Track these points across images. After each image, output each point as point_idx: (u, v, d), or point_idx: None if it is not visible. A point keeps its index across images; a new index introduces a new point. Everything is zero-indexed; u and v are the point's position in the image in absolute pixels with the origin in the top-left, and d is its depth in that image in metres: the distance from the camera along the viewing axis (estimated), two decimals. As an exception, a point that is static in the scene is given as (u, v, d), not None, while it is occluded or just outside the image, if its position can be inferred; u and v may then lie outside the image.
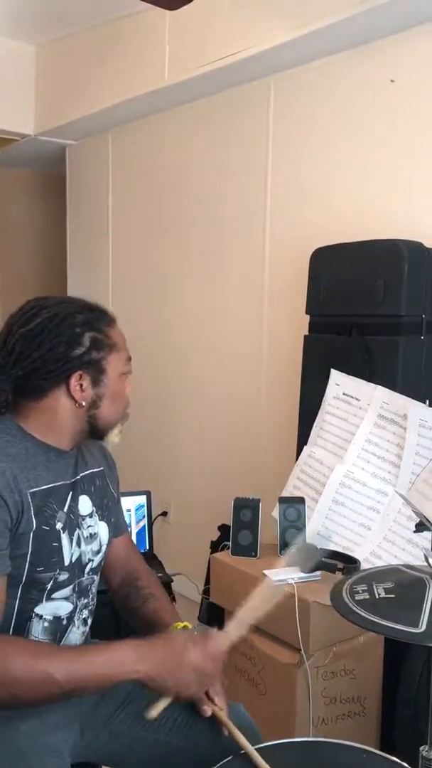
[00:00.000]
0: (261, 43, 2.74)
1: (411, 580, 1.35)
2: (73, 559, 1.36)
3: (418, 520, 1.56)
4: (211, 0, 2.86)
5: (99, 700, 1.43)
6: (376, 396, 2.18)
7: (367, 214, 2.67)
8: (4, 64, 4.02)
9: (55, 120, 4.06)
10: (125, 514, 2.37)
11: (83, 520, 1.40)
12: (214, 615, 2.62)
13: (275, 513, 2.18)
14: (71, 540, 1.36)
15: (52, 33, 3.91)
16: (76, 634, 1.40)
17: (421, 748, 1.37)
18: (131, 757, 1.43)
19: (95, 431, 1.39)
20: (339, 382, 2.30)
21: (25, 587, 1.30)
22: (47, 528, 1.31)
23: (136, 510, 2.55)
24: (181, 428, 3.72)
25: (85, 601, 1.42)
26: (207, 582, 2.90)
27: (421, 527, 1.56)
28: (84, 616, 1.42)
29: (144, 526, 2.57)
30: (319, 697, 1.93)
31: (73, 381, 1.33)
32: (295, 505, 2.14)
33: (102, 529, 1.45)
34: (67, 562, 1.34)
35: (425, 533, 1.56)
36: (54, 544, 1.32)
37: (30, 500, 1.28)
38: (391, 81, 2.58)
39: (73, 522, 1.37)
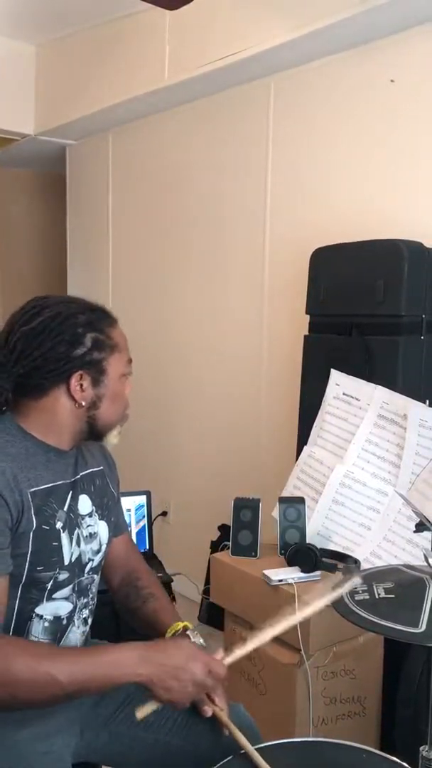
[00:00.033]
0: (261, 43, 2.74)
1: (411, 580, 1.36)
2: (73, 559, 1.36)
3: (418, 520, 1.56)
4: (211, 0, 2.86)
5: (99, 700, 1.43)
6: (376, 396, 2.18)
7: (367, 214, 2.67)
8: (4, 64, 4.03)
9: (55, 120, 4.06)
10: (125, 514, 2.37)
11: (83, 519, 1.40)
12: (214, 615, 2.63)
13: (275, 513, 2.18)
14: (71, 539, 1.36)
15: (52, 33, 3.91)
16: (76, 633, 1.40)
17: (421, 748, 1.37)
18: (131, 757, 1.43)
19: (94, 432, 1.39)
20: (339, 382, 2.30)
21: (25, 587, 1.30)
22: (47, 527, 1.31)
23: (136, 510, 2.55)
24: (181, 428, 3.72)
25: (85, 600, 1.42)
26: (207, 582, 2.90)
27: (421, 527, 1.56)
28: (84, 615, 1.42)
29: (144, 526, 2.57)
30: (319, 697, 1.93)
31: (74, 381, 1.33)
32: (295, 505, 2.14)
33: (102, 528, 1.45)
34: (67, 562, 1.34)
35: (425, 533, 1.56)
36: (54, 543, 1.32)
37: (30, 499, 1.28)
38: (391, 81, 2.58)
39: (73, 521, 1.37)
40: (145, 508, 2.57)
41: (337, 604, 1.30)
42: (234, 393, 3.35)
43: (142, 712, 1.27)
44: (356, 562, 2.01)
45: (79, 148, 4.46)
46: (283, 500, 2.17)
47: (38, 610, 1.32)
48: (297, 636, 1.86)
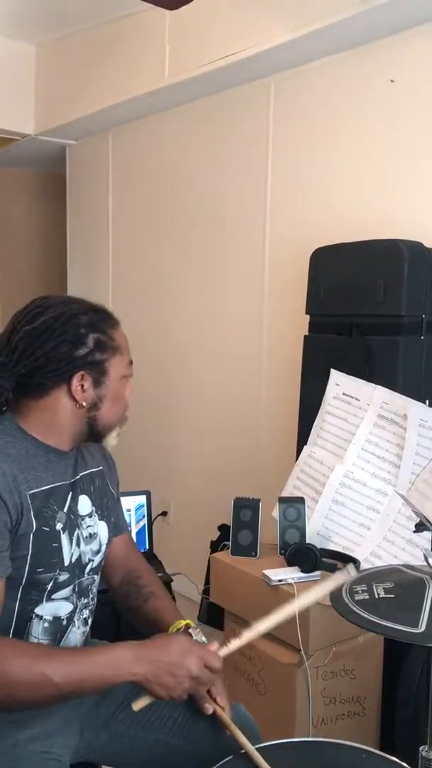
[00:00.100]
0: (261, 43, 2.74)
1: (411, 580, 1.35)
2: (73, 560, 1.36)
3: (417, 520, 1.56)
4: (211, 0, 2.86)
5: (99, 700, 1.43)
6: (376, 396, 2.18)
7: (367, 214, 2.67)
8: (4, 64, 4.03)
9: (55, 120, 4.06)
10: (125, 513, 2.37)
11: (83, 520, 1.40)
12: (214, 615, 2.63)
13: (275, 513, 2.18)
14: (71, 540, 1.36)
15: (52, 33, 3.91)
16: (76, 634, 1.40)
17: (420, 748, 1.37)
18: (131, 757, 1.43)
19: (94, 433, 1.39)
20: (339, 382, 2.30)
21: (25, 588, 1.30)
22: (47, 529, 1.31)
23: (136, 510, 2.55)
24: (181, 428, 3.72)
25: (86, 601, 1.42)
26: (207, 582, 2.90)
27: (420, 527, 1.56)
28: (84, 616, 1.42)
29: (144, 525, 2.57)
30: (319, 697, 1.93)
31: (75, 381, 1.33)
32: (295, 505, 2.14)
33: (102, 528, 1.45)
34: (67, 563, 1.34)
35: (425, 533, 1.56)
36: (54, 544, 1.32)
37: (29, 502, 1.28)
38: (391, 81, 2.58)
39: (73, 522, 1.37)
40: (145, 508, 2.57)
41: (337, 604, 1.30)
42: (234, 393, 3.35)
43: (138, 704, 1.27)
44: (355, 561, 2.01)
45: (79, 148, 4.46)
46: (283, 500, 2.17)
47: (38, 610, 1.32)
48: (297, 636, 1.86)
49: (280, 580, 1.97)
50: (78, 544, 1.38)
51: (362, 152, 2.71)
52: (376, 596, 1.30)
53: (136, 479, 2.77)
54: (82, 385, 1.33)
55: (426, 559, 1.41)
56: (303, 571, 1.99)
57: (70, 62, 3.93)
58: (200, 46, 3.01)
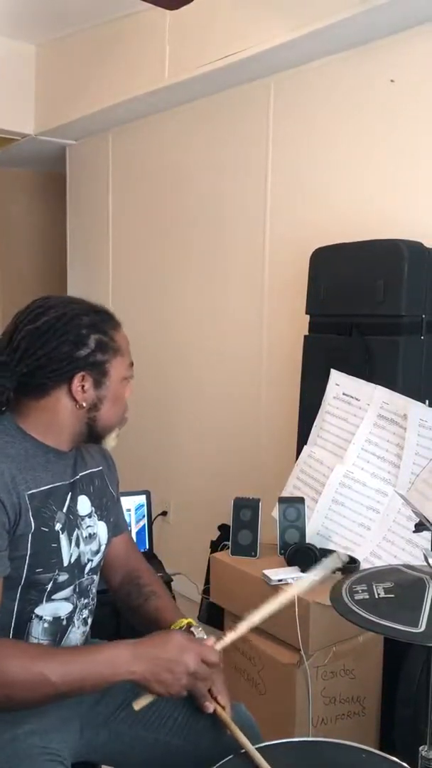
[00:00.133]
0: (261, 43, 2.74)
1: (410, 580, 1.36)
2: (72, 560, 1.36)
3: (417, 520, 1.56)
4: (211, 0, 2.86)
5: (99, 699, 1.43)
6: (376, 396, 2.18)
7: (367, 214, 2.67)
8: (4, 64, 4.03)
9: (55, 120, 4.06)
10: (125, 513, 2.37)
11: (82, 520, 1.40)
12: (214, 615, 2.63)
13: (275, 513, 2.18)
14: (70, 540, 1.36)
15: (52, 33, 3.91)
16: (76, 634, 1.40)
17: (420, 748, 1.37)
18: (132, 757, 1.43)
19: (93, 434, 1.39)
20: (339, 382, 2.30)
21: (24, 588, 1.30)
22: (46, 529, 1.31)
23: (136, 510, 2.55)
24: (181, 428, 3.72)
25: (86, 601, 1.42)
26: (207, 582, 2.90)
27: (420, 527, 1.56)
28: (84, 616, 1.42)
29: (144, 525, 2.57)
30: (319, 696, 1.93)
31: (76, 381, 1.33)
32: (294, 504, 2.14)
33: (101, 529, 1.45)
34: (66, 563, 1.34)
35: (425, 533, 1.56)
36: (53, 545, 1.32)
37: (28, 502, 1.28)
38: (391, 81, 2.58)
39: (72, 522, 1.37)
40: (145, 507, 2.57)
41: (337, 604, 1.30)
42: (234, 393, 3.35)
43: (139, 704, 1.27)
44: (355, 561, 2.01)
45: (79, 148, 4.46)
46: (283, 500, 2.17)
47: (38, 610, 1.32)
48: (297, 636, 1.86)
49: (280, 580, 1.97)
50: (77, 545, 1.38)
51: (362, 152, 2.71)
52: (376, 596, 1.30)
53: (136, 479, 2.77)
54: (83, 386, 1.34)
55: (426, 559, 1.41)
56: (303, 570, 1.99)
57: (70, 62, 3.93)
58: (200, 46, 3.01)
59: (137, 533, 2.54)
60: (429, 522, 1.50)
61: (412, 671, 2.01)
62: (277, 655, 1.96)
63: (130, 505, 2.51)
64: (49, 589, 1.32)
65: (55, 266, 4.89)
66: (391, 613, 1.24)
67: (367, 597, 1.30)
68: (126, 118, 3.82)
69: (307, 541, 2.10)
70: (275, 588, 1.97)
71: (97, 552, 1.44)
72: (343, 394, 2.27)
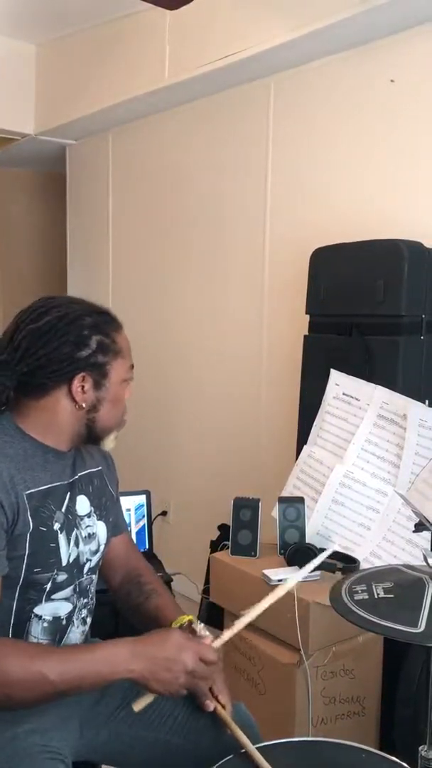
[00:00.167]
0: (261, 43, 2.74)
1: (410, 580, 1.35)
2: (71, 560, 1.36)
3: (417, 520, 1.56)
4: (211, 0, 2.86)
5: (99, 698, 1.43)
6: (375, 396, 2.18)
7: (367, 214, 2.67)
8: (4, 63, 4.03)
9: (56, 119, 4.06)
10: (125, 513, 2.37)
11: (81, 520, 1.40)
12: (214, 614, 2.63)
13: (275, 513, 2.18)
14: (69, 540, 1.36)
15: (52, 33, 3.91)
16: (75, 633, 1.40)
17: (420, 748, 1.37)
18: (132, 756, 1.43)
19: (92, 435, 1.39)
20: (339, 382, 2.30)
21: (22, 588, 1.30)
22: (44, 529, 1.31)
23: (136, 509, 2.55)
24: (181, 428, 3.72)
25: (85, 600, 1.42)
26: (207, 581, 2.90)
27: (420, 527, 1.56)
28: (83, 615, 1.42)
29: (144, 525, 2.57)
30: (319, 696, 1.93)
31: (76, 382, 1.33)
32: (294, 504, 2.14)
33: (100, 529, 1.45)
34: (64, 563, 1.34)
35: (425, 533, 1.56)
36: (51, 544, 1.32)
37: (26, 502, 1.28)
38: (391, 81, 2.58)
39: (71, 522, 1.37)
40: (145, 507, 2.57)
41: (337, 604, 1.30)
42: (234, 393, 3.35)
43: (139, 704, 1.27)
44: (355, 561, 2.01)
45: (79, 148, 4.46)
46: (283, 500, 2.17)
47: (37, 610, 1.33)
48: (297, 636, 1.86)
49: (280, 580, 1.97)
50: (76, 544, 1.38)
51: (362, 152, 2.71)
52: (376, 596, 1.30)
53: (136, 479, 2.77)
54: (83, 387, 1.34)
55: (425, 559, 1.41)
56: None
57: (70, 62, 3.93)
58: (200, 46, 3.01)
59: (137, 533, 2.54)
60: (429, 522, 1.50)
61: (412, 671, 2.01)
62: (277, 655, 1.96)
63: (130, 505, 2.51)
64: (48, 588, 1.32)
65: (55, 266, 4.90)
66: (390, 613, 1.24)
67: (367, 597, 1.30)
68: (126, 118, 3.82)
69: (307, 541, 2.10)
70: (275, 588, 1.96)
71: (96, 552, 1.44)
72: (343, 394, 2.27)
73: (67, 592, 1.36)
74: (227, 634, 1.34)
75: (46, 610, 1.33)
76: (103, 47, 3.62)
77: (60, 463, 1.37)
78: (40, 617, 1.33)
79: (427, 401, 2.20)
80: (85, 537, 1.40)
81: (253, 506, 2.17)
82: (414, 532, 1.62)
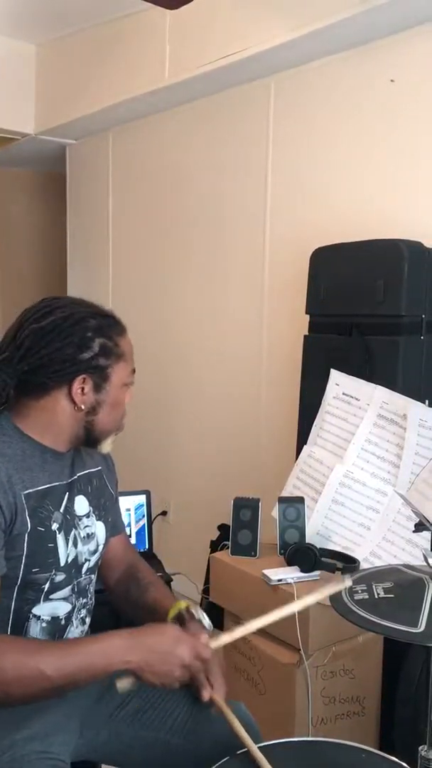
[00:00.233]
0: (261, 43, 2.74)
1: (410, 580, 1.35)
2: (69, 560, 1.36)
3: (417, 520, 1.56)
4: (211, 0, 2.86)
5: (99, 698, 1.43)
6: (375, 396, 2.18)
7: (367, 214, 2.67)
8: (4, 63, 4.03)
9: (56, 119, 4.06)
10: (125, 513, 2.37)
11: (80, 520, 1.40)
12: (213, 614, 2.63)
13: (275, 513, 2.18)
14: (67, 540, 1.36)
15: (52, 33, 3.91)
16: (74, 633, 1.40)
17: (420, 748, 1.37)
18: (132, 756, 1.43)
19: (90, 437, 1.39)
20: (339, 382, 2.30)
21: (20, 588, 1.30)
22: (42, 529, 1.31)
23: (136, 509, 2.55)
24: (181, 428, 3.72)
25: (84, 600, 1.42)
26: (207, 582, 2.90)
27: (420, 527, 1.56)
28: (82, 615, 1.42)
29: (144, 525, 2.57)
30: (319, 696, 1.93)
31: (76, 384, 1.33)
32: (294, 504, 2.14)
33: (99, 529, 1.45)
34: (63, 563, 1.34)
35: (425, 533, 1.56)
36: (49, 545, 1.32)
37: (24, 502, 1.28)
38: (391, 81, 2.59)
39: (70, 522, 1.37)
40: (145, 507, 2.57)
41: (337, 604, 1.30)
42: (234, 393, 3.35)
43: (122, 683, 1.26)
44: (355, 561, 2.01)
45: (79, 148, 4.46)
46: (283, 500, 2.17)
47: (35, 610, 1.33)
48: (296, 636, 1.86)
49: (280, 580, 1.97)
50: (75, 545, 1.38)
51: (362, 152, 2.71)
52: (376, 596, 1.30)
53: (136, 479, 2.77)
54: (83, 389, 1.34)
55: (425, 559, 1.41)
56: (302, 570, 1.99)
57: (70, 62, 3.93)
58: (200, 46, 3.01)
59: (137, 533, 2.53)
60: (429, 522, 1.50)
61: (412, 671, 2.01)
62: (277, 655, 1.96)
63: (130, 504, 2.51)
64: (46, 589, 1.32)
65: (55, 266, 4.89)
66: (390, 613, 1.24)
67: (367, 597, 1.30)
68: (126, 117, 3.82)
69: (307, 540, 2.10)
70: (275, 588, 1.97)
71: (95, 552, 1.44)
72: (343, 393, 2.27)
73: (66, 592, 1.36)
74: (225, 638, 1.33)
75: (44, 610, 1.33)
76: (103, 47, 3.62)
77: (58, 463, 1.37)
78: (38, 617, 1.33)
79: (427, 401, 2.20)
80: (84, 537, 1.40)
81: (253, 506, 2.17)
82: (414, 532, 1.62)
